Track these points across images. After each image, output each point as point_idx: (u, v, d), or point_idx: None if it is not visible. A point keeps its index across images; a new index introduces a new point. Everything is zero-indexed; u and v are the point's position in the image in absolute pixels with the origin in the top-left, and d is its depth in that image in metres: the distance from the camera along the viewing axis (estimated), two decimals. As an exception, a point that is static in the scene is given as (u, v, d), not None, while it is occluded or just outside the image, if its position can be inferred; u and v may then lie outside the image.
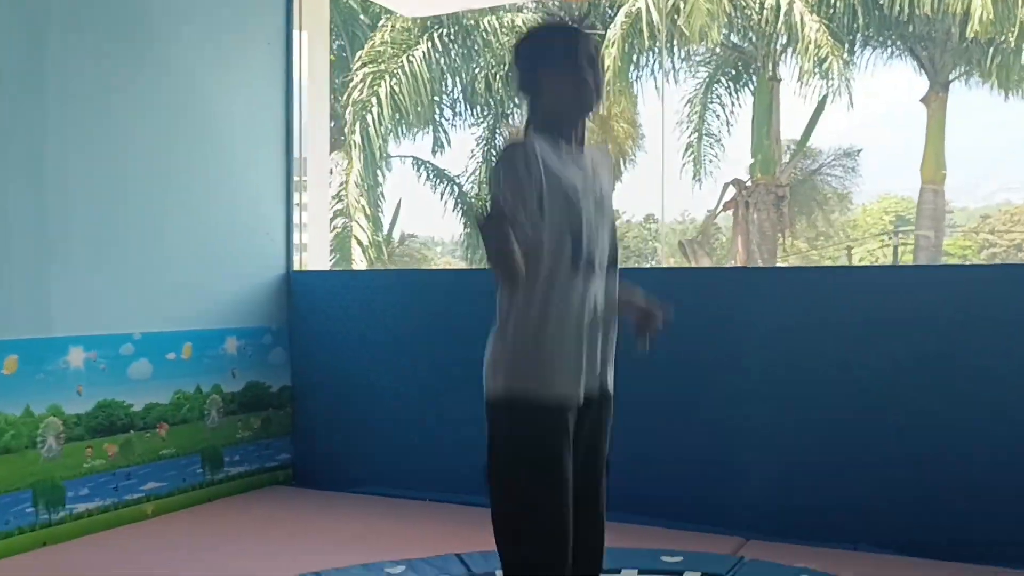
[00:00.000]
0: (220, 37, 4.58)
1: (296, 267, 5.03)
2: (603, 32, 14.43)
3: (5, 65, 3.60)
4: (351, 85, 16.01)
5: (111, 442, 3.98)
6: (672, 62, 15.28)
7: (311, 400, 4.95)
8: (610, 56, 14.15)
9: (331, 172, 17.16)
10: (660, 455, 4.02)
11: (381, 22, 16.67)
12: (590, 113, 2.14)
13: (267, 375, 4.84)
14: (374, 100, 15.93)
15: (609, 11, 15.40)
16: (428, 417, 4.58)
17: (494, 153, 17.50)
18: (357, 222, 16.12)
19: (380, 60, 16.23)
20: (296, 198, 5.06)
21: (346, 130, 16.24)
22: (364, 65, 16.19)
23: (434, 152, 18.51)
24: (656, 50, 14.67)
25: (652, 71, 15.42)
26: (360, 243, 15.99)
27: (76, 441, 3.83)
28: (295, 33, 5.01)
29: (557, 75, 2.09)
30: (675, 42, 14.57)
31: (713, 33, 13.84)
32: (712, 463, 4.00)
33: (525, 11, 17.60)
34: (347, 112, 16.18)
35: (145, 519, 4.10)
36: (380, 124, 15.88)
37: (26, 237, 3.67)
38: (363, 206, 15.94)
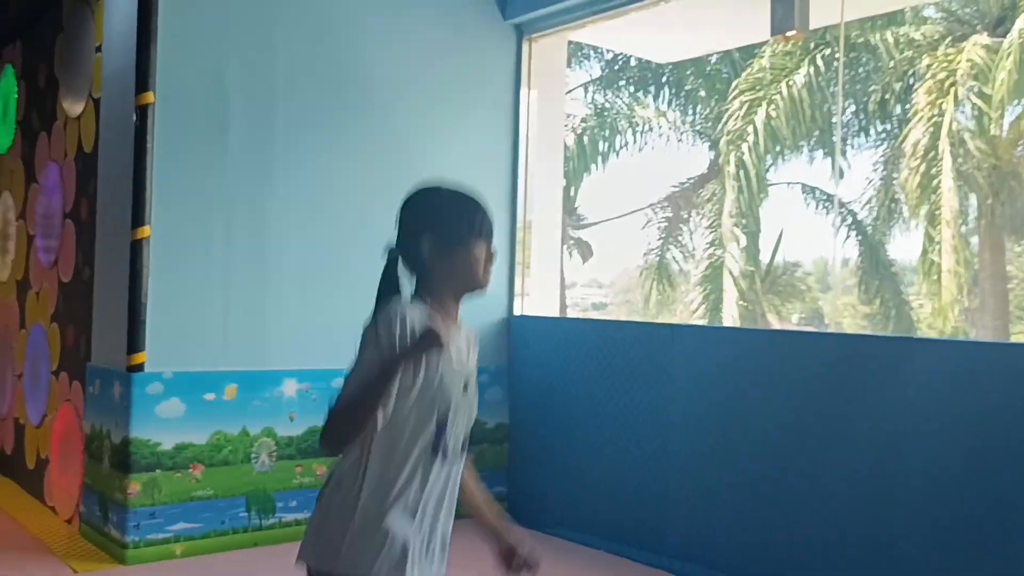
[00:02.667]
0: (443, 101, 5.05)
1: (517, 312, 5.33)
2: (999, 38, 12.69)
3: (239, 128, 4.41)
4: (727, 114, 15.90)
5: (320, 463, 4.60)
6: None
7: (527, 438, 5.21)
8: (1006, 68, 12.40)
9: (704, 200, 17.16)
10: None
11: (761, 49, 16.32)
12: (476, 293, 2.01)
13: (483, 412, 5.16)
14: (750, 129, 15.64)
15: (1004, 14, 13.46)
16: (640, 471, 4.58)
17: (891, 177, 16.20)
18: (730, 253, 15.90)
19: (759, 87, 15.89)
20: (519, 250, 5.37)
21: (720, 160, 16.15)
22: (741, 93, 15.97)
23: (838, 176, 17.61)
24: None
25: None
26: (731, 274, 15.76)
27: (287, 460, 4.51)
28: (523, 93, 5.33)
29: (448, 249, 1.96)
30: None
31: None
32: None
33: (929, 23, 16.07)
34: (721, 142, 16.08)
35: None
36: (754, 152, 15.55)
37: (247, 281, 4.43)
38: (736, 236, 15.68)
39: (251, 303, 4.46)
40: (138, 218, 4.19)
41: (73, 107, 5.04)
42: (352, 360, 1.90)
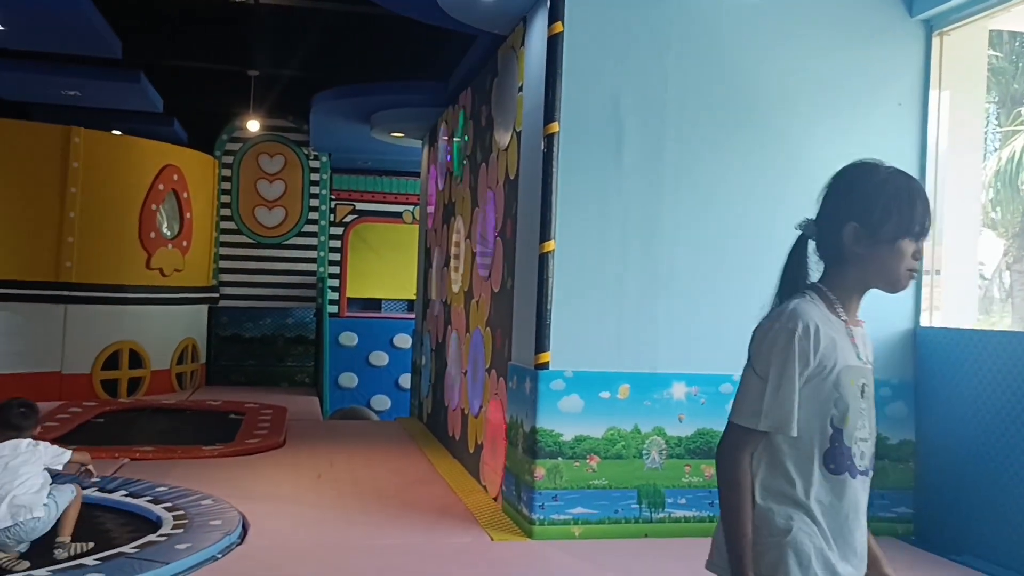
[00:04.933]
0: (839, 105, 4.95)
1: (924, 323, 4.99)
2: None
3: (633, 148, 4.79)
4: None
5: (709, 464, 4.77)
6: None
7: (935, 458, 4.86)
8: None
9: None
10: None
11: None
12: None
13: (886, 427, 4.95)
14: None
15: None
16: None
17: None
18: None
19: None
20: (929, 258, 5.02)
21: None
22: None
23: None
24: None
25: None
26: None
27: (676, 459, 4.76)
28: (933, 93, 5.00)
29: (875, 243, 1.79)
30: None
31: None
32: None
33: None
34: None
35: (739, 536, 4.76)
36: None
37: (640, 289, 4.77)
38: None
39: (643, 309, 4.78)
40: (545, 233, 4.75)
41: (503, 140, 5.83)
42: (745, 368, 1.82)
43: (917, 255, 1.83)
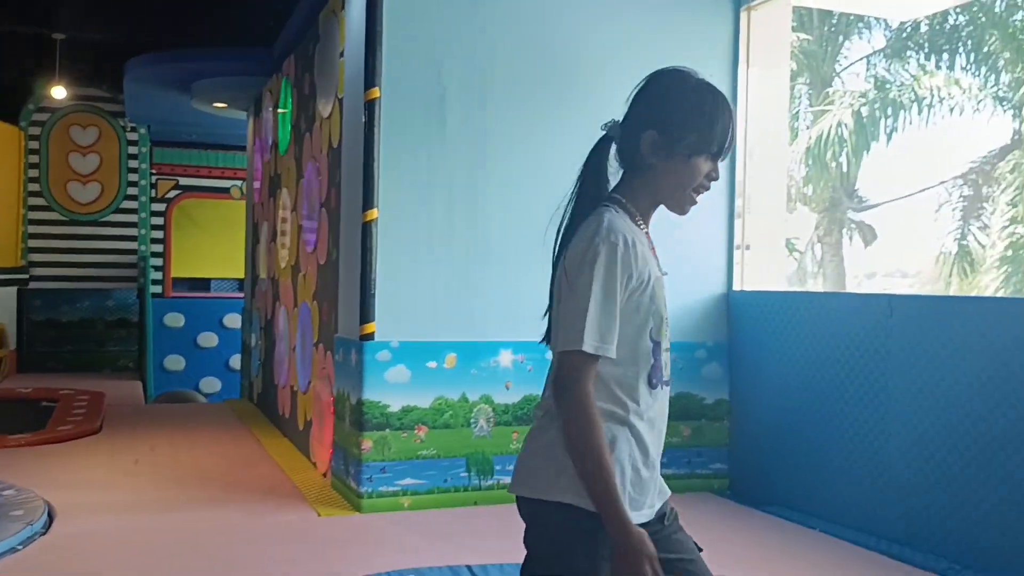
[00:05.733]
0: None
1: (736, 287, 5.23)
2: None
3: (456, 115, 4.76)
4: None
5: (535, 430, 4.82)
6: None
7: (749, 415, 5.11)
8: None
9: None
10: None
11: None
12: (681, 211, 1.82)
13: (702, 388, 5.16)
14: (1058, 88, 13.90)
15: None
16: (859, 451, 4.37)
17: None
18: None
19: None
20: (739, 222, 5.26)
21: (1021, 127, 14.50)
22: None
23: None
24: None
25: None
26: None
27: (504, 426, 4.79)
28: (742, 69, 5.22)
29: (672, 155, 1.74)
30: None
31: None
32: None
33: None
34: None
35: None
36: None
37: (465, 258, 4.76)
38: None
39: (469, 277, 4.78)
40: (368, 202, 4.65)
41: (325, 108, 5.67)
42: (564, 290, 1.69)
43: (711, 176, 1.77)
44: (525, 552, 1.81)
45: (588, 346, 1.64)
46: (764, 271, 5.34)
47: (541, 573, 1.75)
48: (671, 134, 1.73)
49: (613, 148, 1.81)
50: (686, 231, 5.09)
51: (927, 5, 6.10)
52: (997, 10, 16.11)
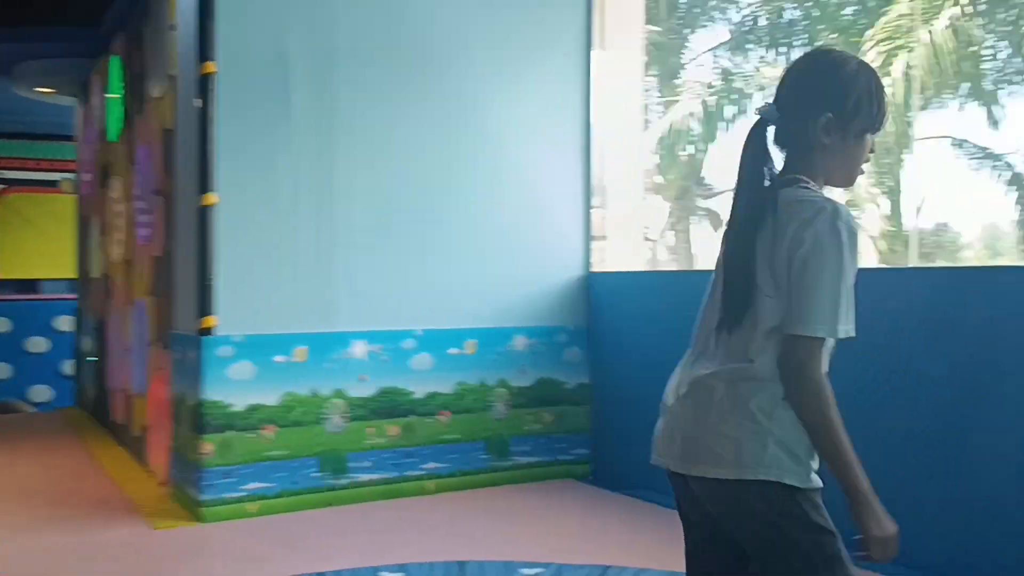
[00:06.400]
0: (509, 56, 4.94)
1: (595, 269, 5.16)
2: None
3: (301, 93, 4.45)
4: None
5: (394, 424, 4.60)
6: None
7: (610, 398, 5.05)
8: None
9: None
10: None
11: (898, -7, 15.28)
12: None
13: (563, 372, 5.06)
14: (888, 80, 14.66)
15: None
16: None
17: None
18: (868, 214, 15.02)
19: (896, 35, 14.87)
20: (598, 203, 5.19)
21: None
22: (877, 44, 15.00)
23: (992, 126, 16.34)
24: None
25: None
26: (869, 236, 14.88)
27: (359, 421, 4.54)
28: (596, 52, 5.14)
29: (845, 135, 1.76)
30: None
31: None
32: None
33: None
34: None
35: (426, 495, 4.65)
36: (894, 106, 14.56)
37: (314, 244, 4.47)
38: (874, 196, 14.79)
39: (319, 266, 4.49)
40: (204, 186, 4.29)
41: (156, 88, 5.23)
42: (800, 272, 1.64)
43: (873, 149, 1.82)
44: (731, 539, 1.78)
45: (841, 332, 1.65)
46: (622, 257, 5.29)
47: (766, 555, 1.71)
48: (845, 116, 1.74)
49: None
50: (544, 216, 5.01)
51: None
52: (829, 5, 16.89)
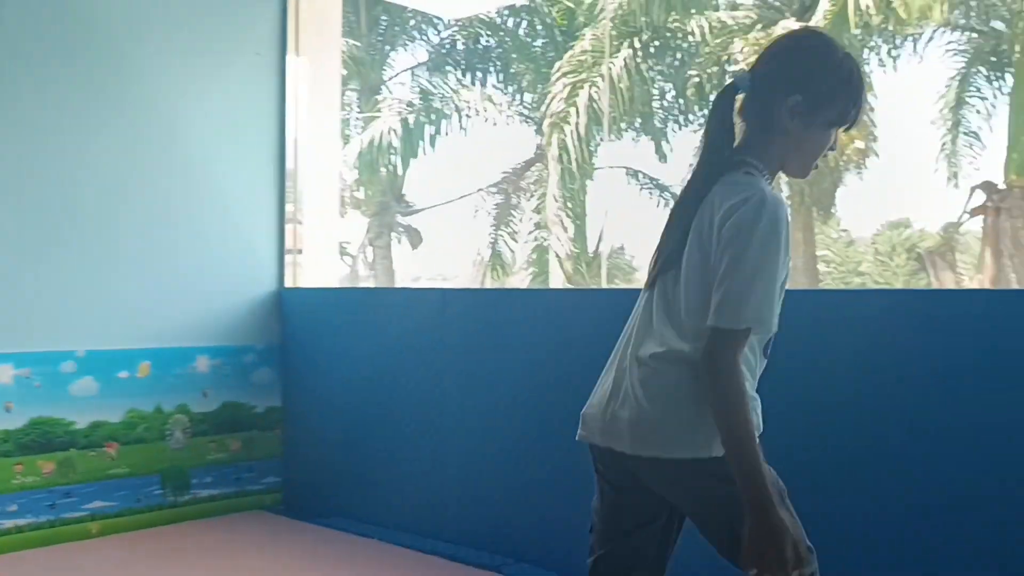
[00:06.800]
0: (198, 48, 4.51)
1: (289, 284, 4.87)
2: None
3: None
4: (549, 96, 15.84)
5: (44, 460, 4.00)
6: (891, 50, 13.65)
7: (303, 423, 4.76)
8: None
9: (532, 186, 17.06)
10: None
11: (582, 31, 16.39)
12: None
13: (252, 395, 4.70)
14: (573, 111, 15.63)
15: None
16: (416, 451, 4.21)
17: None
18: (556, 236, 15.88)
19: (581, 69, 15.91)
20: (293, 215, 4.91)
21: (542, 142, 16.10)
22: (564, 75, 15.94)
23: (661, 158, 17.89)
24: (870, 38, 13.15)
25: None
26: (557, 256, 15.74)
27: (4, 457, 3.89)
28: (291, 56, 4.87)
29: (811, 124, 1.70)
30: (891, 26, 12.94)
31: (935, 13, 12.10)
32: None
33: (741, 9, 16.54)
34: (544, 123, 16.03)
35: (89, 538, 4.09)
36: (577, 134, 15.54)
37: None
38: (561, 219, 15.66)
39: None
40: None
41: None
42: (725, 263, 1.60)
43: (833, 147, 1.75)
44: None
45: (760, 325, 1.61)
46: (318, 273, 5.04)
47: (710, 517, 1.72)
48: (816, 102, 1.68)
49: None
50: (233, 227, 4.64)
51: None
52: (521, 35, 17.75)
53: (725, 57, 15.66)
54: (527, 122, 18.13)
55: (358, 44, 17.12)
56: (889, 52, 13.96)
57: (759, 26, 15.30)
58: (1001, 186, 14.99)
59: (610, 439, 1.75)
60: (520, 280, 16.25)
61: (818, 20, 12.96)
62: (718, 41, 15.77)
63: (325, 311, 4.74)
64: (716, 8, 16.25)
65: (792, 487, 1.73)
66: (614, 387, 1.77)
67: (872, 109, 16.22)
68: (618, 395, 1.75)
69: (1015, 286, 14.00)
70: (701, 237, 1.68)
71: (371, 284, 17.77)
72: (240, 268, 4.69)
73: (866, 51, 14.16)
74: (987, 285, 14.12)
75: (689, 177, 1.79)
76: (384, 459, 4.38)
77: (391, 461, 4.35)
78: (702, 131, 1.79)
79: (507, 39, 17.96)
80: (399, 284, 18.06)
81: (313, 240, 5.10)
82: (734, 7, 16.59)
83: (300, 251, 5.02)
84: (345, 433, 4.54)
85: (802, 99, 1.68)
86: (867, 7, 12.29)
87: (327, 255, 5.24)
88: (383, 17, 17.90)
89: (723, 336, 1.61)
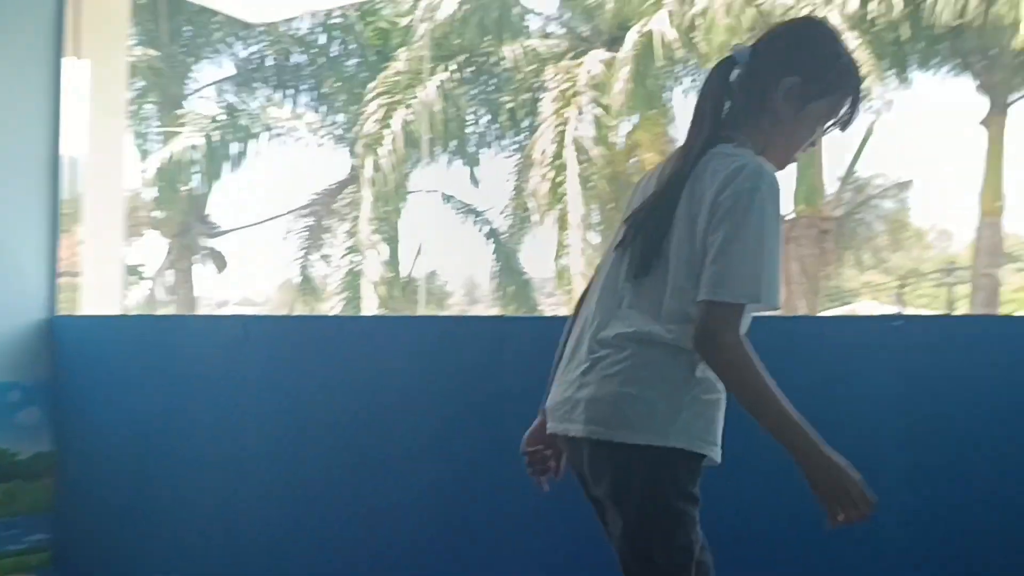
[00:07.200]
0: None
1: (65, 311, 4.32)
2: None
3: None
4: (363, 117, 15.51)
5: None
6: (694, 80, 14.35)
7: (79, 469, 4.21)
8: (621, 80, 13.26)
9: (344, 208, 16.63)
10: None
11: (397, 52, 16.20)
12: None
13: (13, 439, 4.11)
14: (387, 133, 15.38)
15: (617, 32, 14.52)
16: (213, 493, 3.78)
17: (523, 186, 16.54)
18: (369, 260, 15.52)
19: (395, 91, 15.69)
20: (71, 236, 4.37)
21: (356, 163, 15.75)
22: (378, 96, 15.67)
23: (474, 183, 17.89)
24: (672, 71, 13.73)
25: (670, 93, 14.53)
26: (371, 281, 15.37)
27: None
28: (68, 60, 4.35)
29: (803, 108, 1.66)
30: (695, 61, 13.58)
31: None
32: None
33: (553, 38, 16.90)
34: (357, 145, 15.68)
35: None
36: (393, 157, 15.30)
37: None
38: (374, 243, 15.31)
39: None
40: None
41: None
42: (722, 235, 1.53)
43: (815, 142, 1.72)
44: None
45: (767, 299, 1.52)
46: (101, 299, 4.52)
47: (636, 517, 1.60)
48: (813, 89, 1.65)
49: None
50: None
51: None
52: (334, 53, 17.34)
53: (537, 84, 15.94)
54: (340, 143, 17.70)
55: (158, 54, 16.14)
56: (692, 81, 14.64)
57: (569, 55, 15.67)
58: (789, 216, 16.04)
59: (567, 422, 1.68)
60: (333, 305, 15.75)
61: (626, 52, 13.39)
62: (530, 68, 16.03)
63: (106, 341, 4.24)
64: (528, 36, 16.53)
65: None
66: (573, 372, 1.70)
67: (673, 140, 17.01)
68: (576, 379, 1.68)
69: (802, 312, 14.93)
70: (691, 211, 1.60)
71: (171, 310, 16.71)
72: (1, 293, 4.10)
73: (671, 81, 14.79)
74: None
75: (676, 152, 1.73)
76: (173, 504, 3.93)
77: (180, 505, 3.90)
78: (695, 106, 1.73)
79: (320, 57, 17.50)
80: (204, 310, 17.11)
81: (95, 262, 4.58)
82: (545, 36, 16.94)
83: (78, 274, 4.49)
84: (129, 478, 4.05)
85: (798, 82, 1.65)
86: (670, 42, 12.80)
87: (110, 279, 4.71)
88: (186, 27, 16.98)
89: (721, 310, 1.53)
